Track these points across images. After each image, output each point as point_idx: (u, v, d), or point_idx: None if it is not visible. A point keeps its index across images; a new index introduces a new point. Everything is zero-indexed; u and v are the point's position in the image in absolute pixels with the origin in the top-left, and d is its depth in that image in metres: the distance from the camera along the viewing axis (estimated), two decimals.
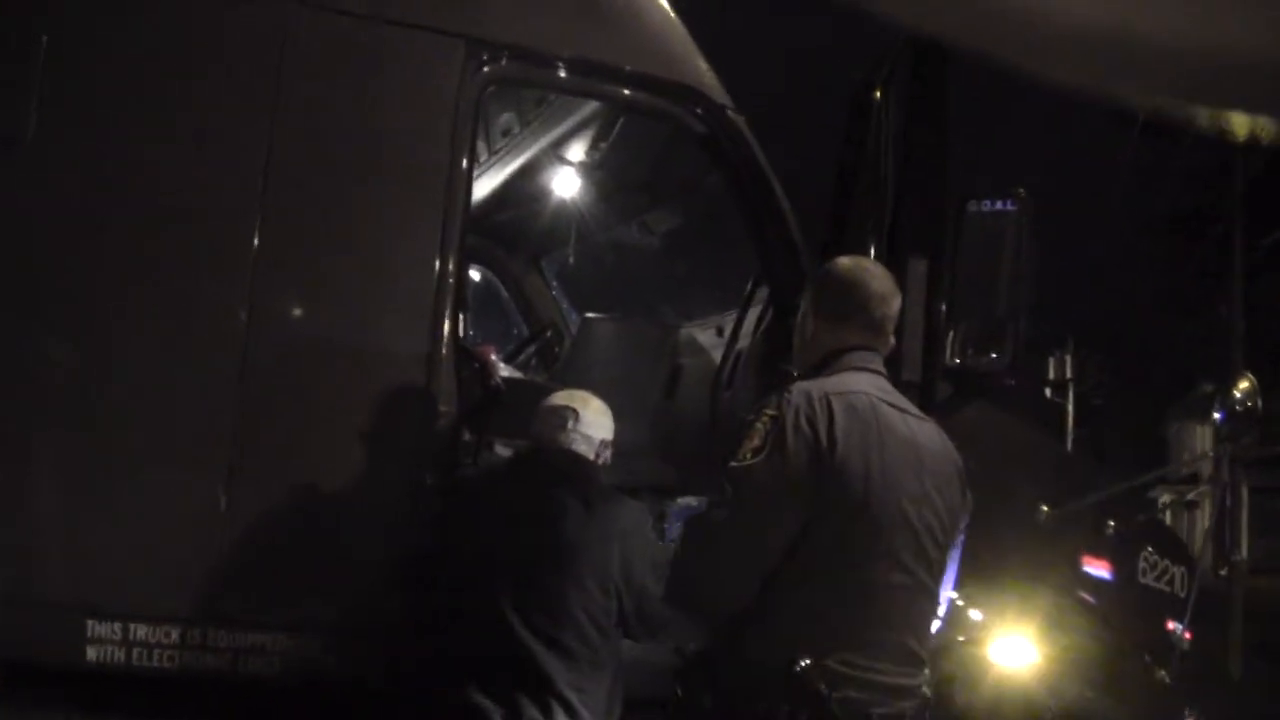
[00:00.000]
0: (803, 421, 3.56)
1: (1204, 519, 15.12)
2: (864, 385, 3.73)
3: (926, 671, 3.81)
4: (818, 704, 3.45)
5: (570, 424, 4.65)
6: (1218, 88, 3.48)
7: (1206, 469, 14.22)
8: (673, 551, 3.96)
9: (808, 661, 3.47)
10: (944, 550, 3.80)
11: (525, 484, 4.60)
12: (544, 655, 4.28)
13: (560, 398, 4.75)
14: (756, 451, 3.58)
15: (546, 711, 4.23)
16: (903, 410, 3.79)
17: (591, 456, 4.68)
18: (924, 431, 3.82)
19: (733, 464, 3.61)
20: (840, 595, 3.59)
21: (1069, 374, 16.25)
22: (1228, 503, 13.11)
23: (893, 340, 3.95)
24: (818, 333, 3.89)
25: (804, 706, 3.46)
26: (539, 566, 4.40)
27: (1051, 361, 15.74)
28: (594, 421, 4.70)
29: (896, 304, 3.94)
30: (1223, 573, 13.38)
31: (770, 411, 3.62)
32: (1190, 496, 14.64)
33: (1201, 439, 14.45)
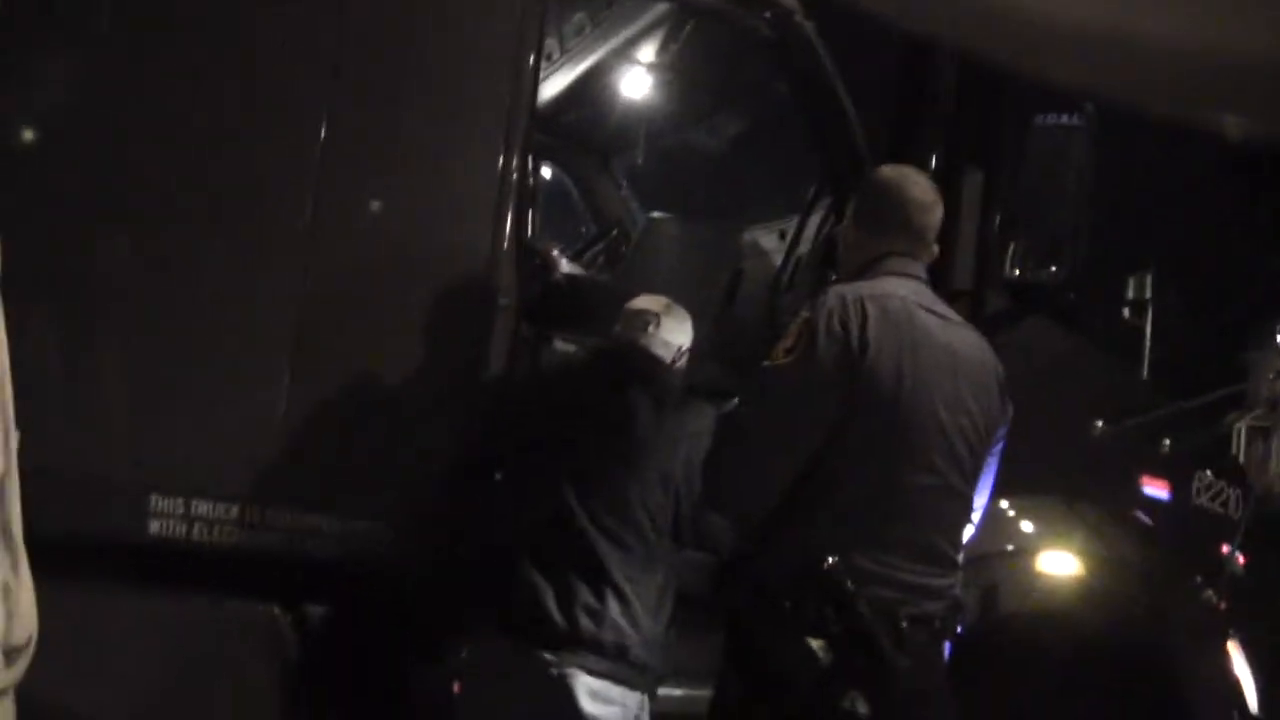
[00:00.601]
0: (835, 323, 3.60)
1: (1276, 445, 14.93)
2: (901, 290, 3.76)
3: (960, 574, 3.86)
4: (845, 601, 3.51)
5: (651, 328, 4.70)
6: (1218, 88, 3.44)
7: (1277, 393, 14.02)
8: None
9: (836, 559, 3.53)
10: (978, 456, 3.84)
11: (599, 380, 4.67)
12: (602, 546, 4.36)
13: (644, 301, 4.79)
14: (789, 353, 3.63)
15: (600, 598, 4.32)
16: (941, 316, 3.82)
17: (669, 361, 4.74)
18: (962, 338, 3.85)
19: (765, 364, 3.67)
20: (870, 495, 3.64)
21: (1148, 294, 15.96)
22: None
23: (935, 249, 3.97)
24: (859, 239, 3.93)
25: (831, 603, 3.52)
26: (605, 461, 4.47)
27: (1131, 281, 15.49)
28: (675, 328, 4.75)
29: (938, 213, 3.96)
30: None
31: (805, 314, 3.67)
32: (1259, 421, 14.44)
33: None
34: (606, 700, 4.30)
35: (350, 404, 4.80)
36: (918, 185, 3.97)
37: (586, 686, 4.28)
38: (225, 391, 4.70)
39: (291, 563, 4.75)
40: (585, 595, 4.32)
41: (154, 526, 4.61)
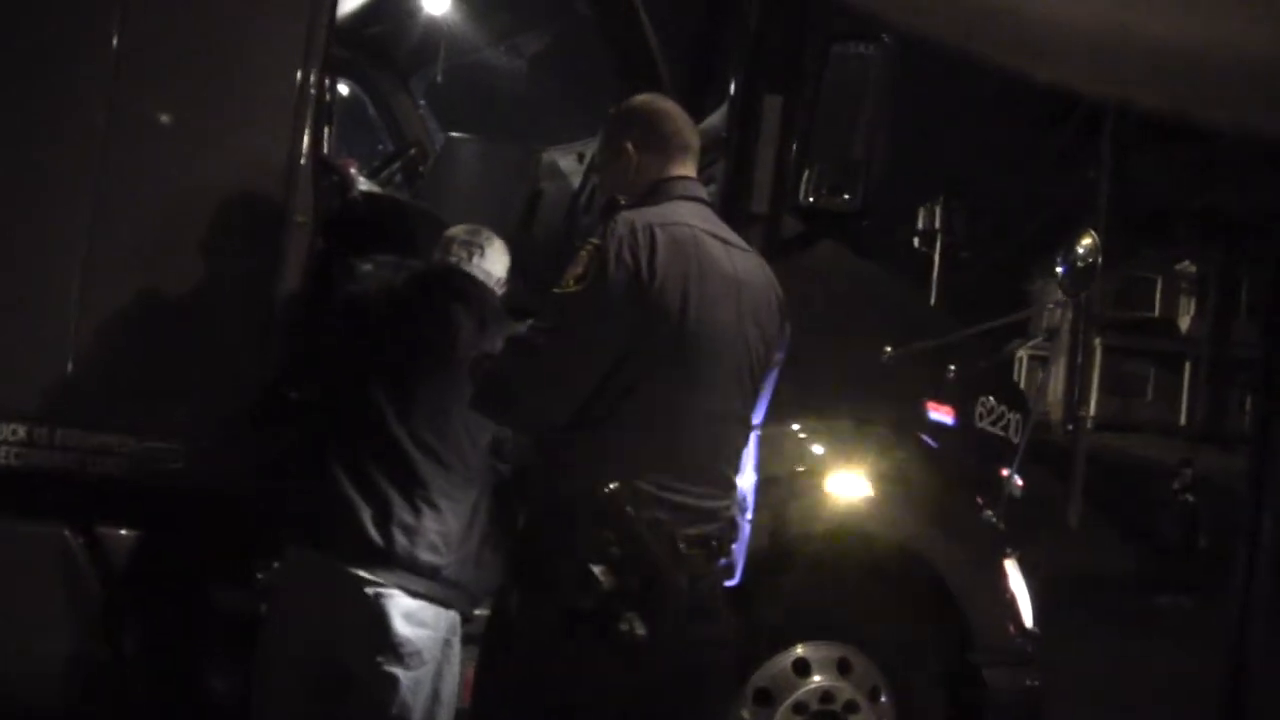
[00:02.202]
0: (625, 251, 3.64)
1: (1056, 374, 15.50)
2: (688, 216, 3.82)
3: (735, 495, 3.94)
4: (624, 524, 3.57)
5: (475, 258, 4.72)
6: (1217, 88, 3.50)
7: (1056, 322, 14.54)
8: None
9: (617, 483, 3.59)
10: (758, 379, 3.93)
11: (424, 300, 4.67)
12: (422, 462, 4.38)
13: (466, 232, 4.80)
14: (579, 279, 3.66)
15: (417, 515, 4.34)
16: (725, 241, 3.88)
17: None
18: (745, 263, 3.92)
19: (555, 290, 3.70)
20: (654, 420, 3.70)
21: (937, 225, 16.36)
22: (1078, 360, 13.48)
23: None
24: (640, 165, 3.95)
25: (611, 526, 3.58)
26: (428, 380, 4.48)
27: (921, 211, 15.83)
28: (496, 260, 4.78)
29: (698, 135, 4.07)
30: (1069, 427, 13.78)
31: (595, 240, 3.70)
32: (1039, 349, 14.94)
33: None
34: (419, 623, 4.33)
35: (144, 321, 4.73)
36: (678, 107, 4.08)
37: (401, 608, 4.30)
38: (13, 308, 4.60)
39: (84, 483, 4.68)
40: (402, 513, 4.33)
41: None
